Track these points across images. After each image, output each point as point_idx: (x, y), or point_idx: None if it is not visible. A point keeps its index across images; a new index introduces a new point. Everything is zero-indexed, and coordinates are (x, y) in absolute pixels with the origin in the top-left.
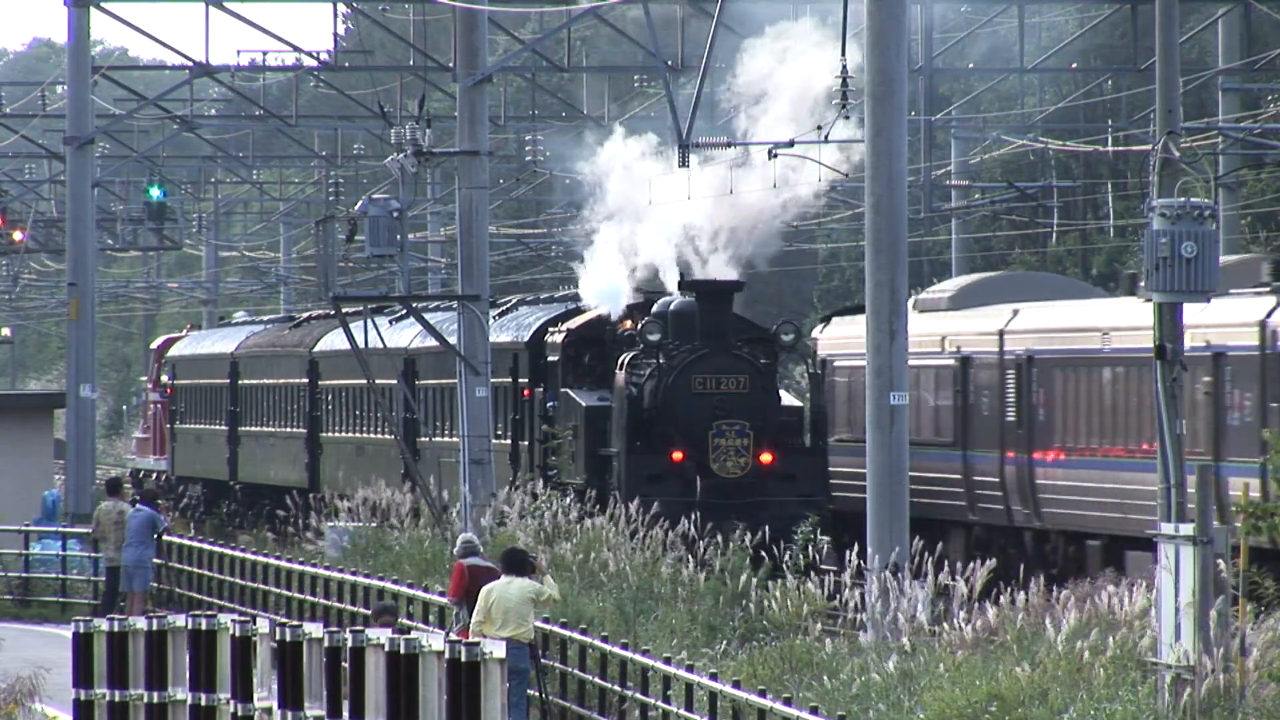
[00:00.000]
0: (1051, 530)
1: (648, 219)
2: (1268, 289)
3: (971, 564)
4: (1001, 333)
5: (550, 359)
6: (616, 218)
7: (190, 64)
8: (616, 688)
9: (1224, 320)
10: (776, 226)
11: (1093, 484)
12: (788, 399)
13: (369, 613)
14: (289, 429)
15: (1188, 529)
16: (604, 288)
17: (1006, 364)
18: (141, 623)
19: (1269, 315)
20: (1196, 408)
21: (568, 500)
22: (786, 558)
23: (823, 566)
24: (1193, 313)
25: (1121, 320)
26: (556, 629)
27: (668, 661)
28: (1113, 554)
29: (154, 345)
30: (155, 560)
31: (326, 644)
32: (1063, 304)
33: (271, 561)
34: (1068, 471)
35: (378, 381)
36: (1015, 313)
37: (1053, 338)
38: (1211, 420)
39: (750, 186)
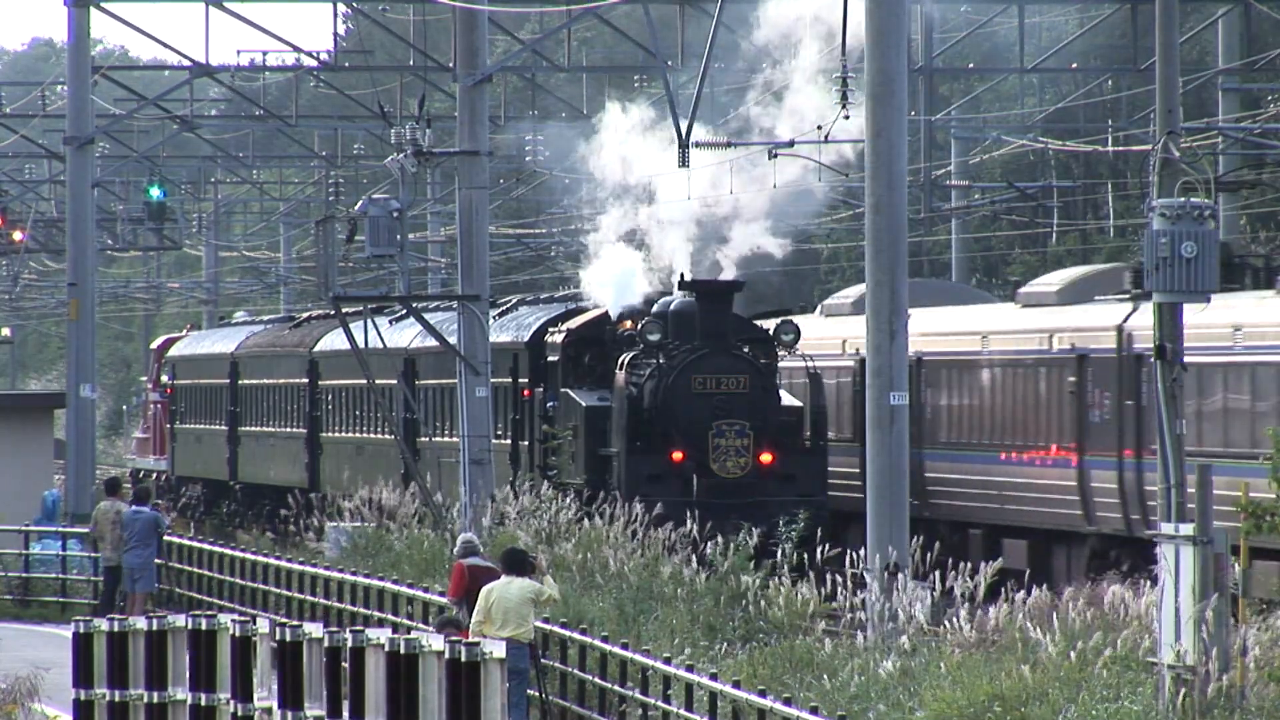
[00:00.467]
0: (938, 520)
1: (661, 210)
2: (1127, 296)
3: (979, 565)
4: None
5: (550, 359)
6: (620, 201)
7: (190, 64)
8: (616, 688)
9: (1087, 325)
10: (818, 198)
11: (974, 477)
12: (788, 399)
13: (367, 612)
14: (289, 429)
15: (1188, 529)
16: (615, 276)
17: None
18: (141, 623)
19: (1125, 320)
20: (1063, 406)
21: (568, 500)
22: (779, 555)
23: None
24: (1058, 317)
25: (998, 325)
26: (556, 629)
27: (668, 661)
28: (991, 542)
29: (154, 345)
30: (156, 560)
31: (326, 644)
32: (949, 309)
33: (271, 561)
34: (951, 465)
35: (378, 381)
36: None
37: (939, 340)
38: (1075, 417)
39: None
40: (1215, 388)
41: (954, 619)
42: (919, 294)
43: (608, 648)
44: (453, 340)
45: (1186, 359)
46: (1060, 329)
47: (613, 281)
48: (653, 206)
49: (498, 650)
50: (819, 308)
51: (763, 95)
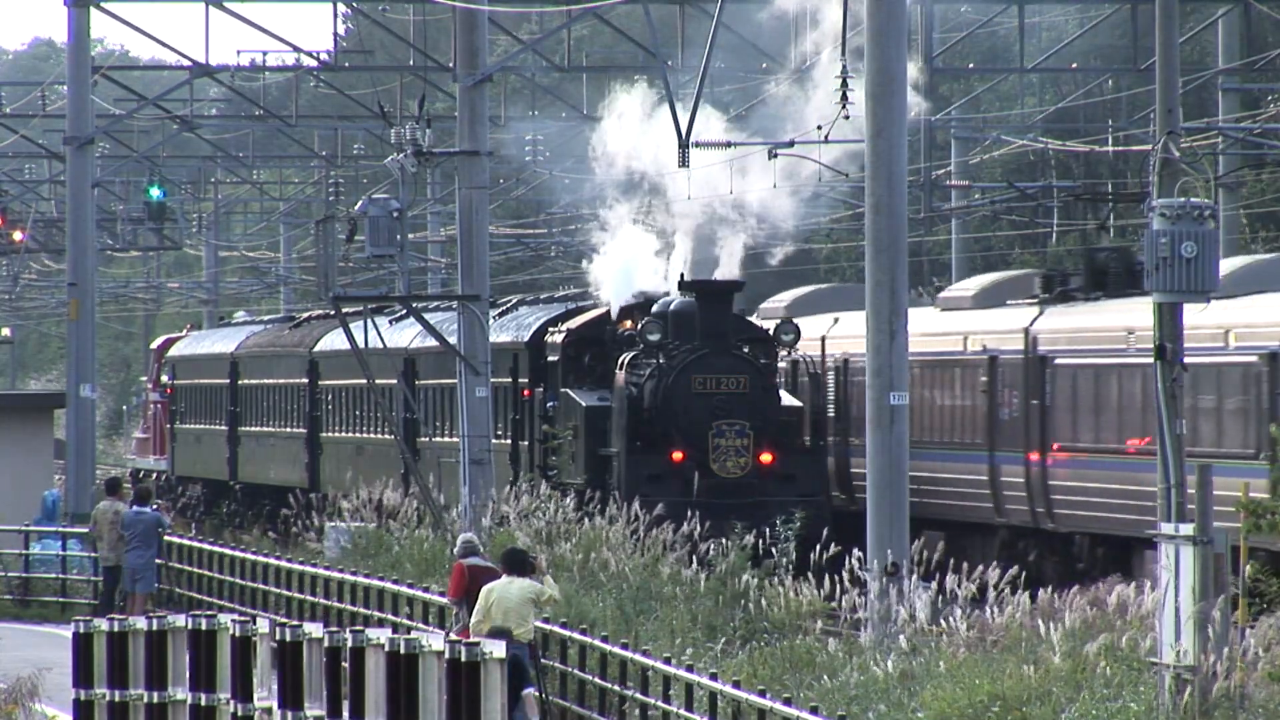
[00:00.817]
0: (863, 513)
1: (670, 199)
2: (1035, 301)
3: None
4: (823, 338)
5: (550, 359)
6: (629, 194)
7: (190, 64)
8: (616, 688)
9: (998, 328)
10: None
11: None
12: (788, 399)
13: (367, 612)
14: (289, 429)
15: (1188, 529)
16: (623, 264)
17: (828, 366)
18: (141, 623)
19: (1032, 323)
20: (976, 404)
21: (568, 500)
22: (776, 555)
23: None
24: (973, 321)
25: (918, 328)
26: (556, 629)
27: (668, 661)
28: (912, 534)
29: (154, 345)
30: (156, 560)
31: (326, 644)
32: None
33: (271, 561)
34: None
35: (378, 381)
36: (835, 320)
37: (862, 342)
38: (987, 415)
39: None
40: (1111, 386)
41: (953, 619)
42: (849, 299)
43: (608, 648)
44: (453, 340)
45: (1086, 361)
46: (974, 331)
47: (621, 270)
48: (663, 196)
49: (498, 650)
50: (756, 311)
51: (782, 78)
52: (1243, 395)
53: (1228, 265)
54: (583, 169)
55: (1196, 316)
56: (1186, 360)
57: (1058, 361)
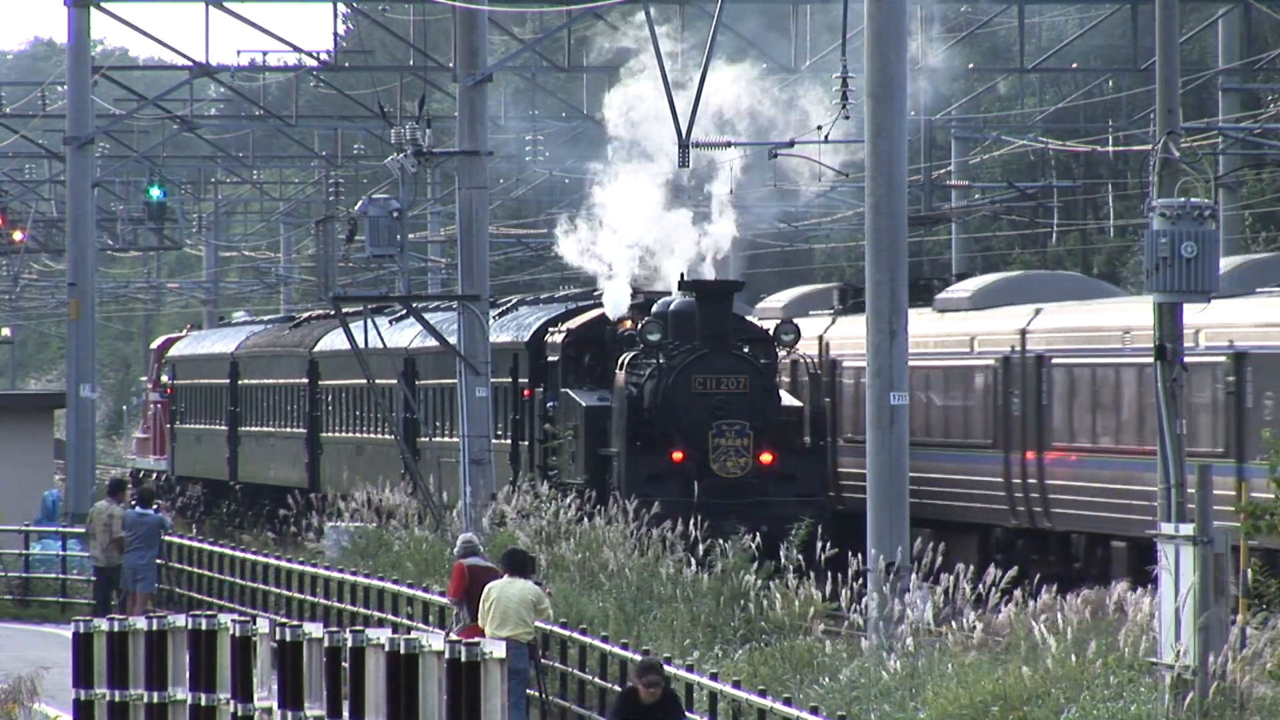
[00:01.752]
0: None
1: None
2: (830, 311)
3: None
4: None
5: (550, 359)
6: (638, 166)
7: (190, 64)
8: (616, 688)
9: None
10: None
11: None
12: (788, 399)
13: (367, 612)
14: (289, 429)
15: (1188, 529)
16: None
17: None
18: (141, 623)
19: (825, 331)
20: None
21: (568, 500)
22: (784, 557)
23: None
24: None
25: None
26: (556, 629)
27: (668, 661)
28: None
29: (154, 345)
30: (157, 560)
31: (326, 644)
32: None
33: (271, 561)
34: None
35: (378, 381)
36: None
37: None
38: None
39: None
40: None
41: (956, 619)
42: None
43: (608, 648)
44: (453, 340)
45: (856, 364)
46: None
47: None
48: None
49: (498, 650)
50: None
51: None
52: (983, 394)
53: (980, 281)
54: (583, 168)
55: (951, 325)
56: (934, 364)
57: (845, 364)
